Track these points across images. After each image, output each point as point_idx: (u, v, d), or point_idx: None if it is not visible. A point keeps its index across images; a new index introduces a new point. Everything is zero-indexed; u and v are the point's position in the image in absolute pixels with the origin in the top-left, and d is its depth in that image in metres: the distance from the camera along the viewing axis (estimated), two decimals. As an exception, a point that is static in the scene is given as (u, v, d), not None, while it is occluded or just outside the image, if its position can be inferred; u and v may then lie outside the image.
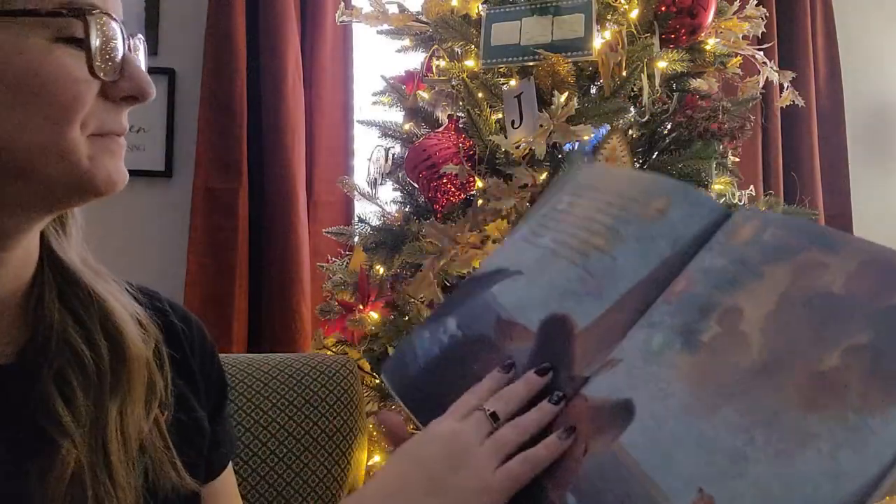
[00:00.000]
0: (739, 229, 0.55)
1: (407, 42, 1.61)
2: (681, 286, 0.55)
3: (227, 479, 0.69)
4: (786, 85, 1.62)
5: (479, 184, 1.36)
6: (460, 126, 1.45)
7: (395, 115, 1.65)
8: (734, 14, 1.53)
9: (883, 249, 0.50)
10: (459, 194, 1.38)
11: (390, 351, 1.45)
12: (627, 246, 0.59)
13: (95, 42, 0.48)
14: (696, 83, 1.52)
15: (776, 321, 0.49)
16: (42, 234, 0.56)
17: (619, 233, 0.59)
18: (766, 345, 0.49)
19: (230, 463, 0.70)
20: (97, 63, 0.49)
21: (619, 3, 1.44)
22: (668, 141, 1.45)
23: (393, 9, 1.57)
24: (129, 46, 0.52)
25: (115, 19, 0.50)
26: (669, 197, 0.59)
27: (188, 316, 0.68)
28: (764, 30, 1.58)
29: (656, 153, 1.46)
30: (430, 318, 0.67)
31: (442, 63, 1.53)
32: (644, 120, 1.41)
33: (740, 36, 1.54)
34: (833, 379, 0.46)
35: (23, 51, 0.46)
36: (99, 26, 0.49)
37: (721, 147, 1.42)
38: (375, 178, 1.63)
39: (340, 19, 1.62)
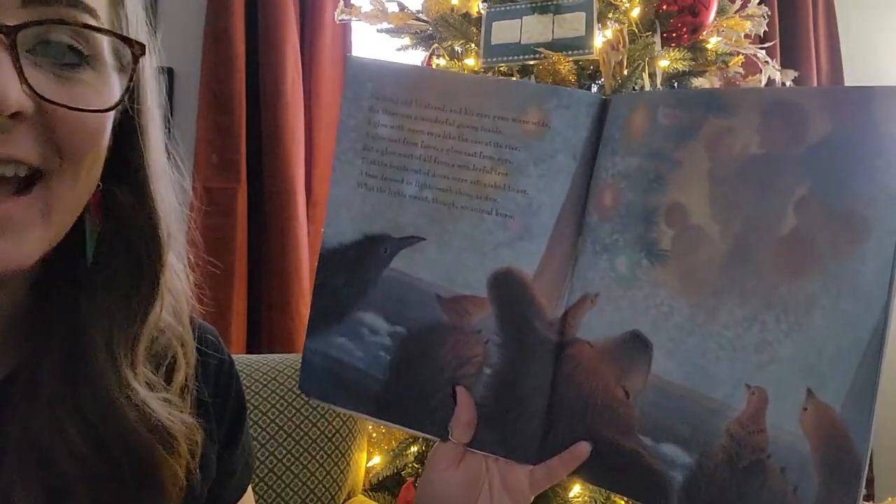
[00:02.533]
0: (631, 119, 0.54)
1: (407, 41, 1.60)
2: (609, 199, 0.54)
3: None
4: (788, 84, 1.61)
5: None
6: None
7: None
8: (736, 13, 1.52)
9: (770, 92, 0.51)
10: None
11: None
12: (529, 174, 0.55)
13: None
14: (697, 82, 1.51)
15: (720, 203, 0.50)
16: None
17: (510, 163, 0.56)
18: (723, 231, 0.50)
19: (249, 488, 0.63)
20: None
21: (621, 1, 1.43)
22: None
23: (393, 7, 1.57)
24: None
25: None
26: (541, 106, 0.55)
27: (204, 333, 0.59)
28: (766, 28, 1.58)
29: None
30: (319, 320, 0.60)
31: (442, 62, 1.52)
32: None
33: (742, 35, 1.53)
34: (798, 238, 0.47)
35: None
36: None
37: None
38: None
39: (339, 18, 1.61)
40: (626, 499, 1.31)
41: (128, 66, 0.45)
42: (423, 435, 0.60)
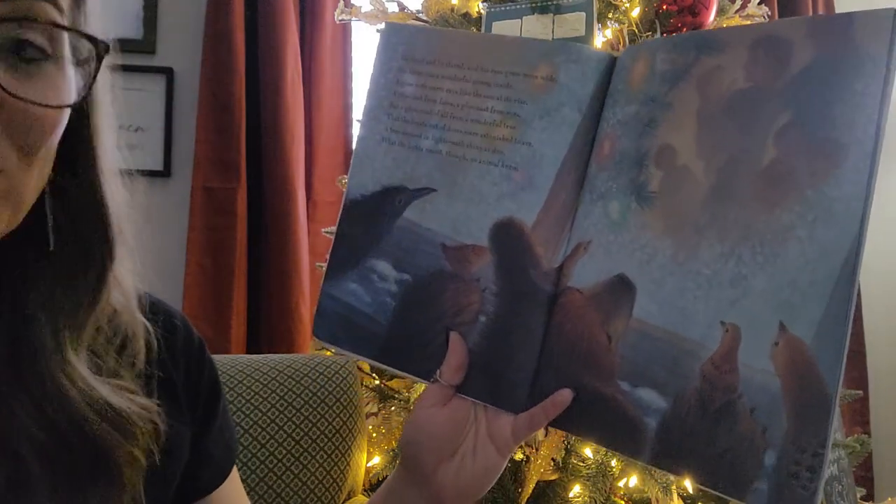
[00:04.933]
0: (633, 70, 0.55)
1: (407, 41, 1.60)
2: (607, 148, 0.55)
3: (227, 492, 0.62)
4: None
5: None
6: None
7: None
8: (736, 13, 1.52)
9: (758, 27, 0.51)
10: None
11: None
12: (535, 126, 0.57)
13: None
14: (697, 82, 1.51)
15: (705, 141, 0.51)
16: None
17: (518, 116, 0.58)
18: (707, 167, 0.50)
19: (233, 470, 0.63)
20: None
21: (621, 1, 1.43)
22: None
23: (392, 7, 1.57)
24: None
25: None
26: (552, 61, 0.57)
27: (171, 318, 0.59)
28: (766, 28, 1.58)
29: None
30: (336, 267, 0.62)
31: (442, 62, 1.52)
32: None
33: (742, 35, 1.53)
34: (778, 168, 0.48)
35: None
36: None
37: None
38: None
39: (339, 18, 1.61)
40: (623, 499, 1.31)
41: (84, 60, 0.44)
42: (419, 380, 0.60)
